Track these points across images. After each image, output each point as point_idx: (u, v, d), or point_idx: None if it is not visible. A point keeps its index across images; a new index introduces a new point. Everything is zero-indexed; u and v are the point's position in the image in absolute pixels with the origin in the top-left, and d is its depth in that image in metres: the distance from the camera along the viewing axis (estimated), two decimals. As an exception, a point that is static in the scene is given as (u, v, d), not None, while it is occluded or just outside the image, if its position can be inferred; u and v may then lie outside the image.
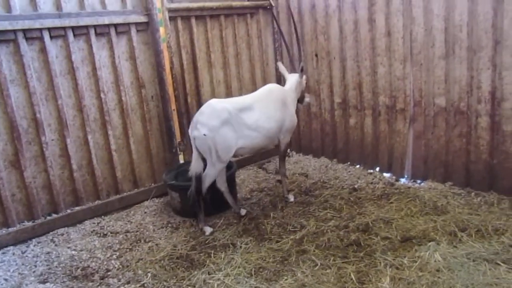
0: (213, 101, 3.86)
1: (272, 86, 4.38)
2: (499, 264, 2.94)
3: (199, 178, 3.81)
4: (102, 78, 4.37)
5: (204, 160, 3.83)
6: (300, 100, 4.54)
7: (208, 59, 5.22)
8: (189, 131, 3.85)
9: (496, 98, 3.91)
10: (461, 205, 3.90)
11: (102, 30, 4.30)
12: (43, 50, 4.00)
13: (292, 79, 4.40)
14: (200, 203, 3.88)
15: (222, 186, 4.10)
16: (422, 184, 4.57)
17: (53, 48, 4.05)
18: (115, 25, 4.37)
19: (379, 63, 4.76)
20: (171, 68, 4.90)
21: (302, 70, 4.30)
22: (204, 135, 3.66)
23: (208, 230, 3.89)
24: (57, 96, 4.10)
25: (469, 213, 3.73)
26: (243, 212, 4.15)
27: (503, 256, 3.03)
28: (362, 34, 4.84)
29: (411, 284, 2.84)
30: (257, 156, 5.72)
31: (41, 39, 3.96)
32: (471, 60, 4.00)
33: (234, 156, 3.99)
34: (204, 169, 3.84)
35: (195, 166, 3.80)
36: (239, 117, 3.81)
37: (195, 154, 3.81)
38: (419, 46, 4.36)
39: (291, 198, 4.41)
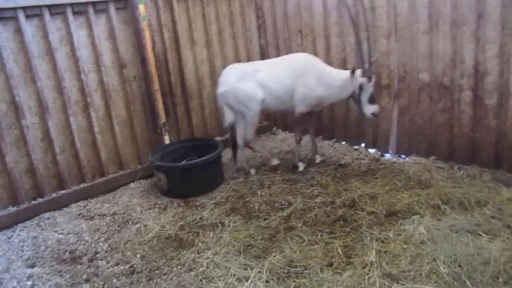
0: (233, 64, 4.61)
1: (295, 55, 4.63)
2: (480, 235, 3.03)
3: (233, 127, 4.50)
4: (82, 59, 4.26)
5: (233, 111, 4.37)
6: (354, 99, 4.27)
7: (190, 37, 5.11)
8: (217, 92, 4.39)
9: (479, 72, 3.94)
10: (444, 179, 3.98)
11: (79, 9, 4.17)
12: (19, 31, 3.86)
13: (346, 71, 4.25)
14: (236, 149, 4.62)
15: (240, 140, 4.54)
16: (407, 159, 4.63)
17: (29, 28, 3.92)
18: (93, 3, 4.24)
19: (364, 38, 4.72)
20: (153, 47, 4.80)
21: (353, 72, 4.12)
22: (225, 91, 4.27)
23: (252, 171, 4.58)
24: (35, 78, 3.99)
25: (452, 186, 3.81)
26: (253, 171, 4.59)
27: (484, 227, 3.12)
28: (345, 9, 4.78)
29: (396, 256, 2.91)
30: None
31: (15, 18, 3.83)
32: (454, 35, 4.00)
33: (267, 111, 4.77)
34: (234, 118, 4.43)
35: (227, 117, 4.39)
36: (253, 75, 4.29)
37: (224, 108, 4.37)
38: (403, 21, 4.34)
39: (301, 167, 4.59)
